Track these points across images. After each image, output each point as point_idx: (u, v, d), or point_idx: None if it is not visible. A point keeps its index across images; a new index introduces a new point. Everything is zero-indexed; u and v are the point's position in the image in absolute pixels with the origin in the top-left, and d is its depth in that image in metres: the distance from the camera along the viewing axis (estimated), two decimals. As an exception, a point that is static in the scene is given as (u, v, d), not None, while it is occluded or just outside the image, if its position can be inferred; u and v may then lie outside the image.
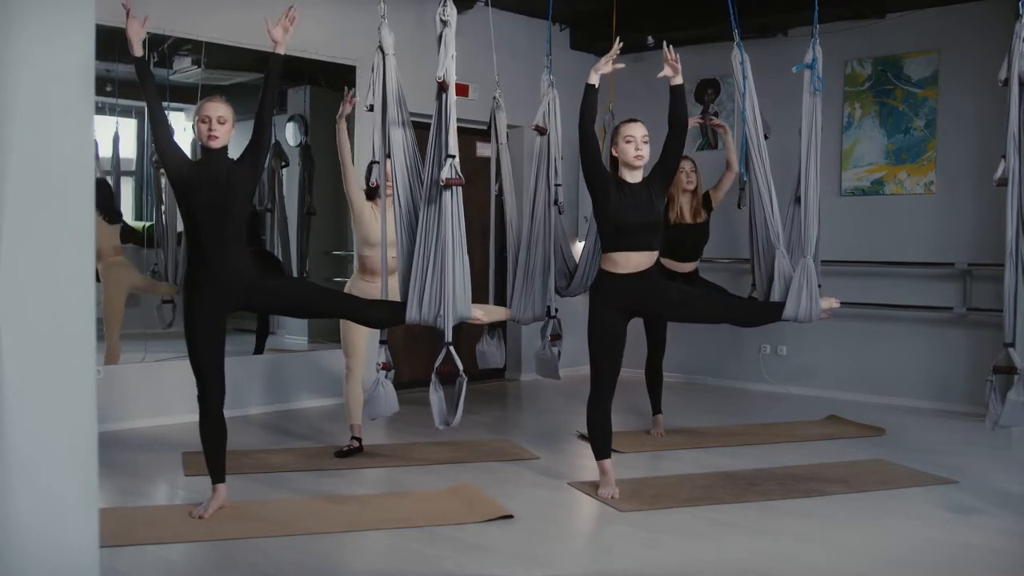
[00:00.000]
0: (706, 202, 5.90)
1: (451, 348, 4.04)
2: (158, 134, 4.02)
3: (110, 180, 6.49)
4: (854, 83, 7.46)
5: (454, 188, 4.00)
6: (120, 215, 6.45)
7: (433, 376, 4.04)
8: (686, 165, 5.77)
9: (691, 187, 5.82)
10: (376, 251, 5.09)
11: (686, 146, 7.93)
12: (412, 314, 4.12)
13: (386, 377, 4.28)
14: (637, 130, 4.39)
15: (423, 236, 4.09)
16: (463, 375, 4.00)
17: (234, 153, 4.12)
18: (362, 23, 6.43)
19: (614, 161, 4.46)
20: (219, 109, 4.06)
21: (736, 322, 5.01)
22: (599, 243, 6.09)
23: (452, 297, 4.04)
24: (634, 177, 4.42)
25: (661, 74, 4.44)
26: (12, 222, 2.28)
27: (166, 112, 6.34)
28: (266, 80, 4.09)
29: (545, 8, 5.83)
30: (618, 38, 4.58)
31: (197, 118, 4.04)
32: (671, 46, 4.43)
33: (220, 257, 4.01)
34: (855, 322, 7.28)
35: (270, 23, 4.05)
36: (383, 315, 4.33)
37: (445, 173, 3.96)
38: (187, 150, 6.56)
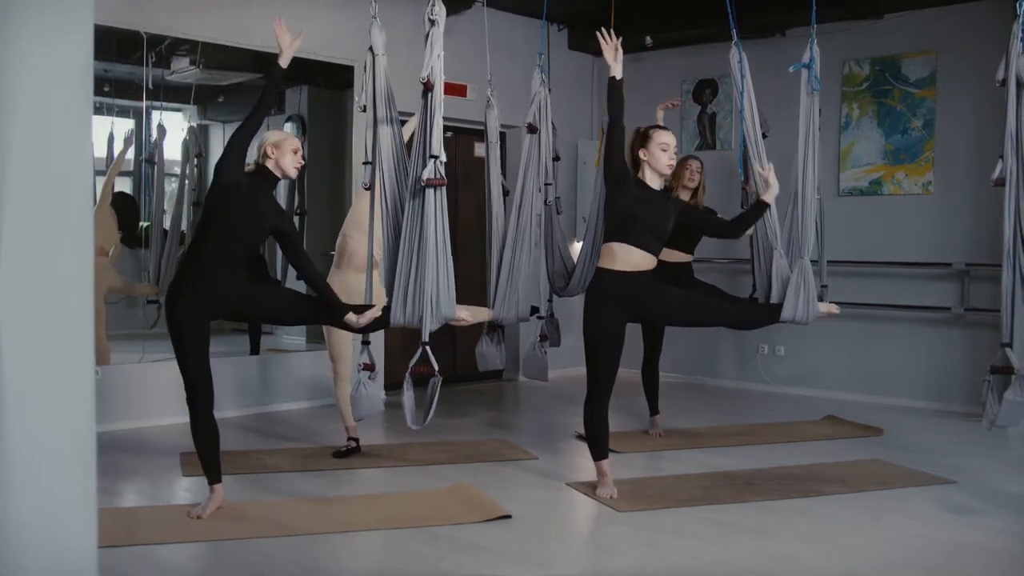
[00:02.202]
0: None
1: (427, 348, 4.01)
2: (245, 137, 4.07)
3: (101, 180, 6.51)
4: (852, 83, 7.47)
5: (437, 188, 3.98)
6: (133, 233, 6.48)
7: (407, 376, 4.03)
8: (693, 164, 5.73)
9: (692, 185, 5.77)
10: (361, 235, 5.05)
11: (690, 146, 7.94)
12: (396, 316, 4.10)
13: (369, 378, 4.27)
14: (671, 140, 4.43)
15: (407, 236, 4.07)
16: (438, 376, 3.98)
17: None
18: (360, 24, 6.40)
19: (636, 162, 4.46)
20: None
21: (734, 325, 5.01)
22: (598, 242, 6.06)
23: (435, 298, 4.02)
24: (654, 183, 4.44)
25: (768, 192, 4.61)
26: (12, 222, 2.28)
27: (160, 112, 6.43)
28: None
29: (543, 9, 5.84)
30: (611, 31, 4.59)
31: (287, 146, 4.15)
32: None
33: (218, 265, 4.03)
34: (853, 322, 7.28)
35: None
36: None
37: (427, 173, 3.93)
38: (177, 152, 6.64)
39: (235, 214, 4.01)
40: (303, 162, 4.23)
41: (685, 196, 5.79)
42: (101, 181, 6.48)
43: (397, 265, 4.10)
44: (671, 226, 4.45)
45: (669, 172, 4.46)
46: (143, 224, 6.56)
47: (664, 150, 4.40)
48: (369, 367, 4.25)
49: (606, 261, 4.44)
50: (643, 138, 4.46)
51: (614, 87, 4.40)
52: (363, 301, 4.61)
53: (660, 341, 5.96)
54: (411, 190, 4.08)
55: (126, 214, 6.39)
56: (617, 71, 4.40)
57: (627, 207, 4.35)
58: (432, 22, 3.99)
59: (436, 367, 3.96)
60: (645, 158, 4.43)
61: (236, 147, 4.04)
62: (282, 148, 4.14)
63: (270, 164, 4.14)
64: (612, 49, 4.40)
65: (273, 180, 4.17)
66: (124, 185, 6.71)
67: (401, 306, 4.09)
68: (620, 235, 4.38)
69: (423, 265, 4.01)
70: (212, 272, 4.01)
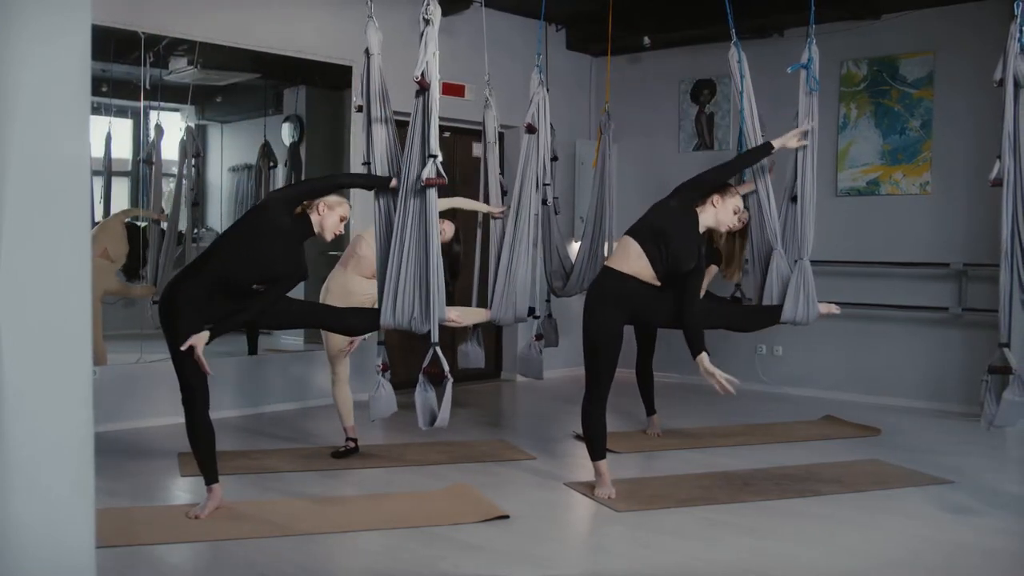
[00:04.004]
0: (715, 255, 5.73)
1: (437, 349, 4.00)
2: (316, 194, 4.16)
3: (102, 180, 6.51)
4: (850, 83, 7.47)
5: (429, 188, 3.96)
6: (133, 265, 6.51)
7: (421, 376, 4.01)
8: (742, 213, 5.58)
9: (736, 229, 5.58)
10: (372, 238, 5.06)
11: (688, 147, 7.87)
12: (386, 318, 4.09)
13: (385, 378, 4.26)
14: (742, 207, 4.55)
15: (398, 236, 4.06)
16: (449, 376, 3.96)
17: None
18: (358, 24, 6.43)
19: (703, 201, 4.45)
20: None
21: (734, 327, 5.00)
22: (596, 242, 6.06)
23: (425, 299, 4.01)
24: (703, 224, 4.46)
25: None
26: (11, 222, 2.28)
27: (158, 112, 6.44)
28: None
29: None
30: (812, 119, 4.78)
31: (338, 211, 4.20)
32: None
33: (218, 290, 4.04)
34: (851, 322, 7.27)
35: None
36: (360, 323, 4.36)
37: (427, 172, 3.91)
38: (175, 152, 6.63)
39: (259, 247, 4.01)
40: (343, 232, 4.26)
41: (724, 234, 5.62)
42: (99, 182, 6.49)
43: (387, 265, 4.08)
44: (688, 267, 4.39)
45: (725, 232, 4.64)
46: (142, 224, 6.56)
47: (736, 213, 4.47)
48: (386, 367, 4.26)
49: (615, 258, 4.43)
50: (726, 190, 4.48)
51: (767, 152, 4.64)
52: (365, 305, 4.62)
53: (653, 342, 5.95)
54: (402, 191, 4.05)
55: (132, 241, 6.41)
56: (779, 145, 4.63)
57: (669, 223, 4.35)
58: (427, 21, 3.96)
59: (447, 368, 3.95)
60: (716, 206, 4.43)
61: (301, 195, 4.15)
62: (333, 210, 4.18)
63: (314, 218, 4.17)
64: (795, 139, 4.72)
65: (308, 233, 4.20)
66: (123, 184, 6.71)
67: (391, 308, 4.06)
68: (642, 239, 4.36)
69: (416, 266, 4.00)
70: (210, 292, 4.02)
